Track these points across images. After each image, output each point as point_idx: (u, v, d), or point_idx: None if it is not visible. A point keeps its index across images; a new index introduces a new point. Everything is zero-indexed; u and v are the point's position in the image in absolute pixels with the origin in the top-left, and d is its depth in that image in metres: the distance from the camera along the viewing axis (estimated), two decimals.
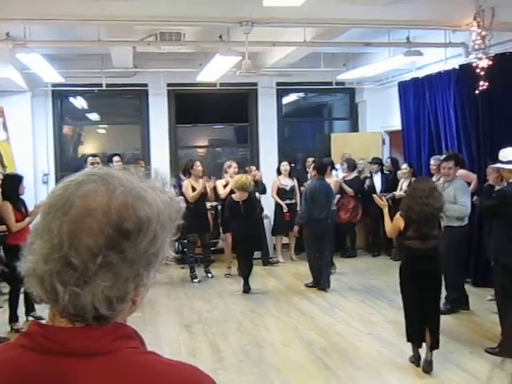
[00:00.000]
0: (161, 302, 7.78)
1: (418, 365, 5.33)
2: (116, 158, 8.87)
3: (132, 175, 1.05)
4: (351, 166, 10.56)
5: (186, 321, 7.05)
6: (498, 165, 5.75)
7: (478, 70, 6.69)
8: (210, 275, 9.18)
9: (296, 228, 8.73)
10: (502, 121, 7.68)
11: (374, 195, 6.51)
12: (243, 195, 8.30)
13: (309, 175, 9.22)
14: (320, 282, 8.32)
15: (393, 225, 5.48)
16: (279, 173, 10.33)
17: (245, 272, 8.38)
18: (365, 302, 7.68)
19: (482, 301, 7.29)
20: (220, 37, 7.79)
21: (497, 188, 7.02)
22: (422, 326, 5.32)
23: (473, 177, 7.89)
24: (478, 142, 8.15)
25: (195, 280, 8.95)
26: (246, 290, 8.29)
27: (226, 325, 6.86)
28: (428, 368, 5.21)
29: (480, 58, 6.65)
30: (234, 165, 9.49)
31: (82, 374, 0.97)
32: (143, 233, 1.00)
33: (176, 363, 1.04)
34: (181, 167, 9.97)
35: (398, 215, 5.41)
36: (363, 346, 6.04)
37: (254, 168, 10.13)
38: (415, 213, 5.17)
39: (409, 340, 5.44)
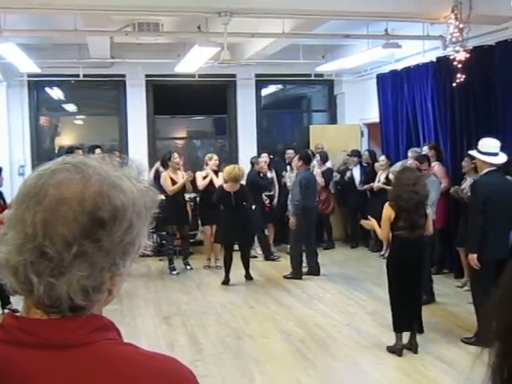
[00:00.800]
0: (139, 294, 7.75)
1: (400, 354, 5.39)
2: (98, 150, 8.83)
3: (107, 164, 1.04)
4: (323, 157, 10.58)
5: (165, 313, 7.04)
6: (475, 153, 5.78)
7: (455, 63, 6.74)
8: (188, 267, 9.16)
9: (293, 219, 8.64)
10: (479, 113, 7.75)
11: (362, 221, 6.57)
12: (235, 186, 8.32)
13: (293, 166, 9.29)
14: (313, 268, 8.62)
15: (383, 216, 5.51)
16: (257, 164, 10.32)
17: (228, 263, 8.37)
18: (343, 294, 7.73)
19: (452, 288, 7.45)
20: (198, 27, 7.74)
21: (469, 180, 7.16)
22: (411, 314, 5.43)
23: (444, 180, 7.93)
24: (455, 134, 8.23)
25: (174, 272, 8.93)
26: (226, 282, 8.32)
27: (204, 317, 6.85)
28: (416, 350, 5.41)
29: (457, 51, 6.70)
30: (215, 157, 9.44)
31: (59, 366, 0.96)
32: (119, 221, 0.99)
33: (154, 354, 1.03)
34: (159, 159, 9.92)
35: (387, 205, 5.47)
36: (341, 336, 6.08)
37: (261, 160, 10.03)
38: (404, 200, 5.26)
39: (398, 330, 5.48)
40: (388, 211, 5.44)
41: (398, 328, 5.49)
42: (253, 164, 10.11)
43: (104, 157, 1.07)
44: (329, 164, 10.71)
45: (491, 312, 0.91)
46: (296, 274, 8.48)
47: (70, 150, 8.28)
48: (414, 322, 5.49)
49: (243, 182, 8.80)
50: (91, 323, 1.00)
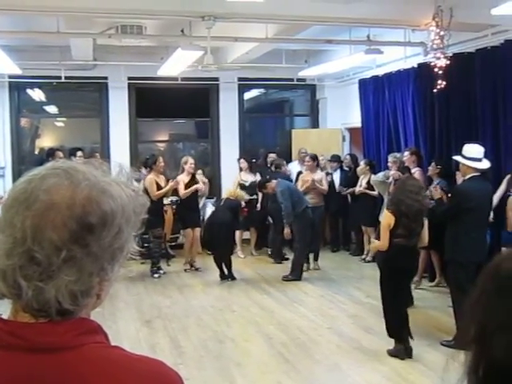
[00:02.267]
0: (120, 297, 7.71)
1: (403, 357, 5.41)
2: (79, 153, 8.81)
3: (96, 169, 1.04)
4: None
5: (146, 316, 7.02)
6: (460, 158, 5.86)
7: (436, 69, 6.82)
8: (162, 271, 9.13)
9: (287, 230, 8.73)
10: (458, 119, 7.84)
11: (372, 243, 6.62)
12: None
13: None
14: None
15: (382, 225, 5.54)
16: (241, 169, 10.38)
17: (219, 261, 8.69)
18: (324, 297, 7.77)
19: (432, 292, 7.57)
20: (182, 31, 7.74)
21: (435, 183, 7.25)
22: (403, 320, 5.49)
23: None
24: (434, 140, 8.32)
25: (156, 275, 8.91)
26: (222, 276, 8.62)
27: (186, 320, 6.85)
28: (410, 354, 5.46)
29: (438, 58, 6.79)
30: (191, 160, 9.36)
31: (47, 370, 0.96)
32: (108, 227, 0.99)
33: (142, 358, 1.04)
34: (141, 161, 9.87)
35: (386, 212, 5.50)
36: (322, 340, 6.11)
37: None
38: (406, 206, 5.26)
39: (395, 336, 5.51)
40: (388, 219, 5.43)
41: (392, 334, 5.53)
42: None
43: (93, 162, 1.07)
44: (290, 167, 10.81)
45: (467, 313, 0.94)
46: (295, 276, 8.60)
47: (51, 152, 8.25)
48: (405, 327, 5.51)
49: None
50: (79, 327, 1.01)
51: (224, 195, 9.39)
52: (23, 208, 0.97)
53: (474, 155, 5.75)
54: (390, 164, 8.25)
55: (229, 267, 8.66)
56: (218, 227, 8.48)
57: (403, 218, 5.31)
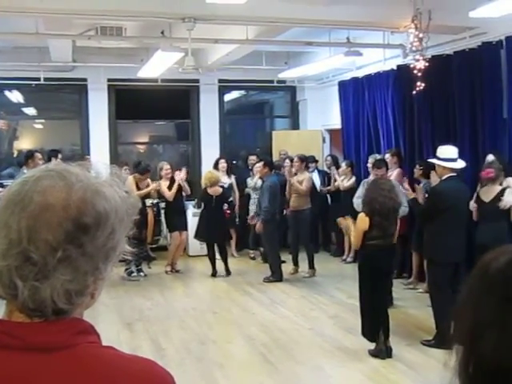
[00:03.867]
0: (100, 300, 7.40)
1: (384, 357, 5.45)
2: (60, 155, 8.80)
3: (89, 171, 1.07)
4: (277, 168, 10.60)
5: (127, 319, 6.99)
6: (435, 160, 5.94)
7: (415, 71, 6.89)
8: (142, 274, 9.10)
9: (260, 225, 8.74)
10: (437, 120, 7.93)
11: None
12: (217, 190, 9.06)
13: (255, 172, 9.60)
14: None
15: (357, 227, 5.59)
16: (217, 169, 10.27)
17: (213, 258, 9.08)
18: (305, 298, 7.80)
19: (411, 292, 7.66)
20: (162, 33, 7.72)
21: (422, 184, 7.32)
22: (380, 320, 5.53)
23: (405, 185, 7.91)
24: (413, 141, 8.40)
25: (136, 276, 8.88)
26: (214, 273, 8.98)
27: (167, 322, 6.83)
28: (390, 353, 5.48)
29: (417, 60, 6.85)
30: (166, 166, 9.35)
31: (42, 369, 0.97)
32: (102, 227, 1.01)
33: (135, 358, 1.07)
34: (121, 163, 9.80)
35: (361, 215, 5.54)
36: (304, 340, 6.14)
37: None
38: (379, 204, 5.32)
39: (372, 339, 5.54)
40: (363, 223, 5.48)
41: (366, 333, 5.56)
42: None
43: (85, 164, 1.09)
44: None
45: (456, 313, 0.96)
46: (277, 277, 8.61)
47: (29, 154, 8.18)
48: (382, 327, 5.54)
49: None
50: (73, 327, 1.03)
51: (203, 184, 9.33)
52: (18, 209, 0.99)
53: (448, 156, 5.83)
54: (370, 165, 8.30)
55: (226, 260, 9.07)
56: (215, 219, 8.88)
57: (376, 217, 5.37)
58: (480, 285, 0.93)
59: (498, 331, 0.87)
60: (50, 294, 0.98)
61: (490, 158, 6.39)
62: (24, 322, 1.01)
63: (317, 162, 10.68)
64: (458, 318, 0.96)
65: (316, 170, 10.58)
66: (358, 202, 6.87)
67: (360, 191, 7.35)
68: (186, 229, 9.48)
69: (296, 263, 9.13)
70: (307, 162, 9.69)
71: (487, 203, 6.06)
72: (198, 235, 9.23)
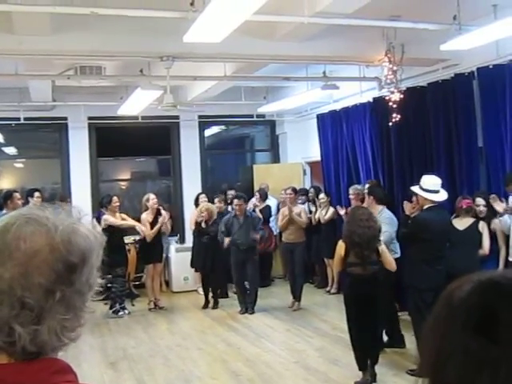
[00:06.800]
0: (84, 339, 7.55)
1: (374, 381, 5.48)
2: (37, 194, 8.77)
3: (60, 213, 1.10)
4: (263, 195, 10.68)
5: (111, 358, 6.91)
6: (417, 189, 6.01)
7: (390, 103, 7.04)
8: (126, 311, 9.04)
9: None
10: (413, 151, 8.05)
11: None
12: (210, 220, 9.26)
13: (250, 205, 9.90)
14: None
15: (336, 253, 5.67)
16: (197, 205, 10.23)
17: (207, 288, 9.31)
18: (290, 331, 7.78)
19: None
20: (141, 71, 7.80)
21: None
22: (368, 351, 5.55)
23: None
24: (391, 172, 8.50)
25: (121, 314, 8.80)
26: (205, 305, 9.20)
27: (152, 360, 6.76)
28: (375, 379, 5.53)
29: (392, 92, 7.01)
30: (152, 196, 9.35)
31: None
32: (86, 263, 1.07)
33: None
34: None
35: (340, 242, 5.62)
36: (290, 374, 6.11)
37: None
38: (358, 236, 5.40)
39: (361, 368, 5.56)
40: (339, 249, 5.59)
41: (360, 366, 5.57)
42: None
43: (57, 206, 1.13)
44: (269, 202, 10.81)
45: (422, 342, 0.98)
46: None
47: (8, 195, 8.14)
48: (371, 354, 5.59)
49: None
50: (51, 366, 1.05)
51: (197, 213, 9.41)
52: (5, 259, 1.02)
53: (430, 187, 5.91)
54: (351, 196, 8.37)
55: (216, 293, 9.20)
56: (212, 251, 9.03)
57: (356, 248, 5.45)
58: (443, 314, 0.94)
59: (461, 360, 0.87)
60: (48, 335, 1.02)
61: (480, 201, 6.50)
62: (3, 363, 1.03)
63: (308, 194, 10.59)
64: (422, 348, 0.98)
65: (307, 202, 10.55)
66: None
67: None
68: (160, 261, 9.44)
69: (295, 296, 9.02)
70: (298, 194, 9.80)
71: (461, 231, 6.21)
72: (195, 265, 9.49)
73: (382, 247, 5.61)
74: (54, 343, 1.04)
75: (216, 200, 10.05)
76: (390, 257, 5.68)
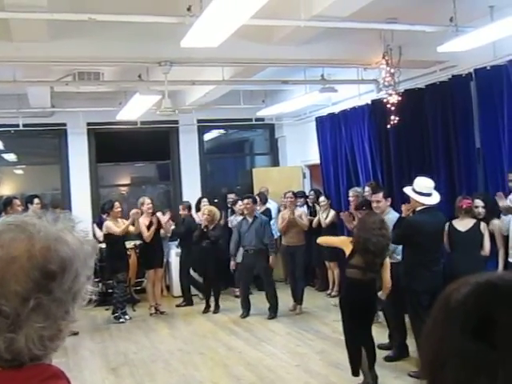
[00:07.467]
0: (85, 345, 7.58)
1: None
2: (36, 200, 8.77)
3: (46, 220, 1.10)
4: (263, 199, 10.67)
5: (112, 363, 6.89)
6: (410, 192, 6.00)
7: (388, 105, 7.05)
8: (127, 317, 9.02)
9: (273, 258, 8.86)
10: (412, 152, 8.07)
11: (319, 239, 6.58)
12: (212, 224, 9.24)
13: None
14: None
15: (341, 239, 5.63)
16: (198, 209, 10.29)
17: (208, 292, 9.30)
18: (291, 334, 7.77)
19: None
20: (139, 76, 7.83)
21: None
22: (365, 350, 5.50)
23: None
24: (390, 174, 8.51)
25: (121, 319, 8.79)
26: (206, 309, 9.18)
27: (153, 365, 6.76)
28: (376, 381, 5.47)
29: (390, 94, 7.02)
30: (147, 201, 9.31)
31: None
32: (67, 272, 1.05)
33: None
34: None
35: (346, 240, 5.61)
36: (291, 378, 6.10)
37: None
38: (373, 244, 5.21)
39: (353, 373, 5.51)
40: (347, 248, 5.47)
41: (350, 365, 5.55)
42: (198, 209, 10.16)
43: (42, 213, 1.12)
44: (269, 205, 10.81)
45: (421, 345, 0.98)
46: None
47: (8, 201, 8.15)
48: (364, 357, 5.51)
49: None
50: (43, 372, 1.05)
51: (201, 215, 9.52)
52: None
53: (423, 190, 5.90)
54: (351, 198, 8.38)
55: (217, 297, 9.22)
56: (213, 255, 9.06)
57: (369, 256, 5.28)
58: (441, 316, 0.94)
59: (459, 363, 0.88)
60: (25, 343, 1.01)
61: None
62: None
63: (306, 197, 10.62)
64: (421, 350, 0.98)
65: (305, 205, 10.57)
66: None
67: None
68: (161, 266, 9.43)
69: (296, 299, 9.00)
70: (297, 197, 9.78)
71: (463, 232, 6.18)
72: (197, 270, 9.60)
73: (387, 260, 5.52)
74: (34, 351, 1.02)
75: (180, 207, 10.17)
76: (388, 275, 5.55)
